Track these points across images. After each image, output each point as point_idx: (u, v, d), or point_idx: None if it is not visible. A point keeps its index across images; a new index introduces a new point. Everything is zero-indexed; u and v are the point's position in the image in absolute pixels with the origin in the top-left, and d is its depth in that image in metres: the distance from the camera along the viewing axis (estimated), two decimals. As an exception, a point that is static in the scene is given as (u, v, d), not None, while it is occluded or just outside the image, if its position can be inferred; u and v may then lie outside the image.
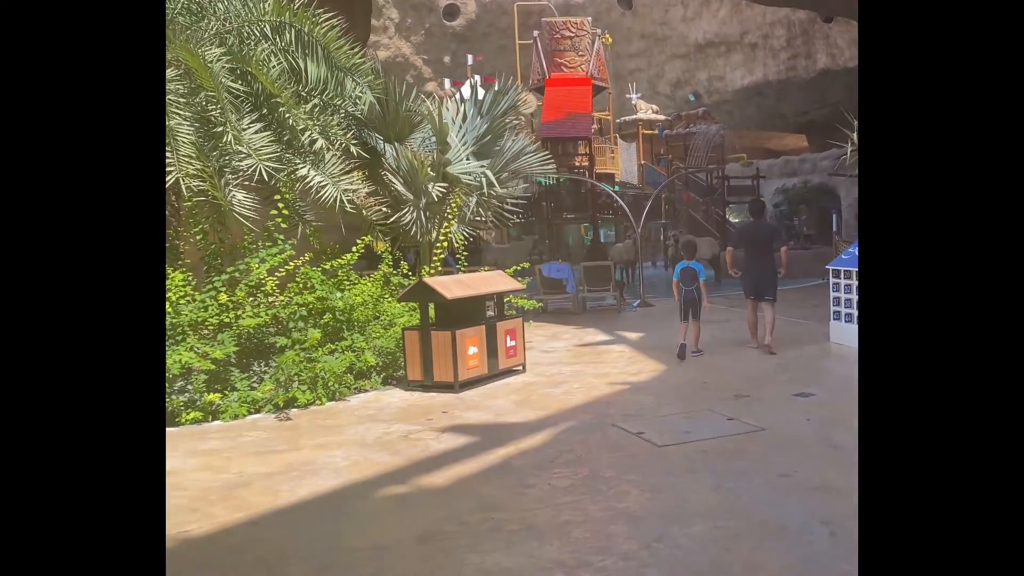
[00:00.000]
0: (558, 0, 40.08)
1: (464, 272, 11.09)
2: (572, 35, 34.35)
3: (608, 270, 15.52)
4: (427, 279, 8.70)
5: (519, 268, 11.47)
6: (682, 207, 30.98)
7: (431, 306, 9.22)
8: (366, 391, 8.89)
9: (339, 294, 9.21)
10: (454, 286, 8.75)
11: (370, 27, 19.34)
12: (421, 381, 8.78)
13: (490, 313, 9.22)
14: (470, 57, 36.15)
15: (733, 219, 37.06)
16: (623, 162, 33.19)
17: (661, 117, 35.57)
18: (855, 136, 11.36)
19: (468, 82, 36.72)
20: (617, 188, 31.45)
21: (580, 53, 34.19)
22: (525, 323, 11.32)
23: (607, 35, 35.59)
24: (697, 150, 31.63)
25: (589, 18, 35.46)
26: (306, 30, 8.97)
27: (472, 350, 8.78)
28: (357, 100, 9.78)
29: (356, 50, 9.74)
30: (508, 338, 9.32)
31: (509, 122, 12.02)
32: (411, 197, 10.41)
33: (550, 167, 12.04)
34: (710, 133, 31.55)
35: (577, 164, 30.71)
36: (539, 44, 34.79)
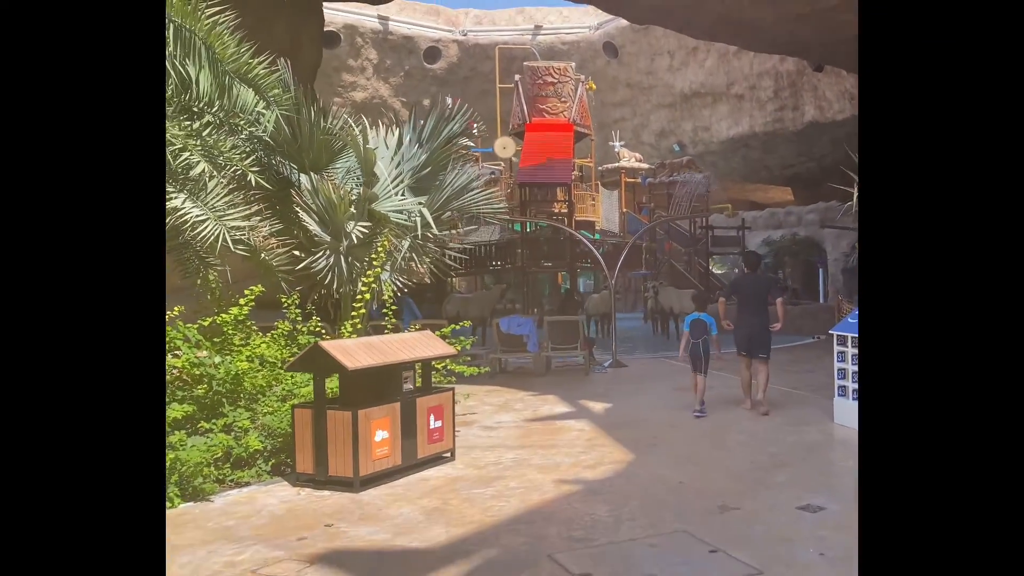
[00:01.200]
0: (542, 45, 38.55)
1: (390, 330, 8.99)
2: (555, 80, 32.74)
3: (576, 326, 13.43)
4: (324, 343, 6.57)
5: (456, 327, 9.36)
6: (663, 257, 29.04)
7: (335, 377, 7.12)
8: (245, 485, 6.72)
9: (218, 359, 7.07)
10: (360, 352, 6.63)
11: (321, 51, 17.44)
12: (313, 475, 6.62)
13: (408, 386, 7.09)
14: (448, 100, 34.38)
15: (716, 270, 35.15)
16: (604, 210, 31.29)
17: (644, 165, 33.82)
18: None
19: (447, 125, 34.97)
20: (598, 236, 29.55)
21: (563, 100, 32.54)
22: (464, 394, 9.24)
23: (591, 81, 34.00)
24: (680, 199, 29.80)
25: (573, 63, 33.87)
26: (187, 25, 6.94)
27: (381, 435, 6.62)
28: (260, 117, 7.73)
29: (263, 60, 7.68)
30: (432, 418, 7.17)
31: (455, 152, 9.97)
32: (327, 239, 8.32)
33: (499, 206, 10.02)
34: (694, 182, 29.76)
35: (556, 211, 28.83)
36: (520, 88, 33.14)
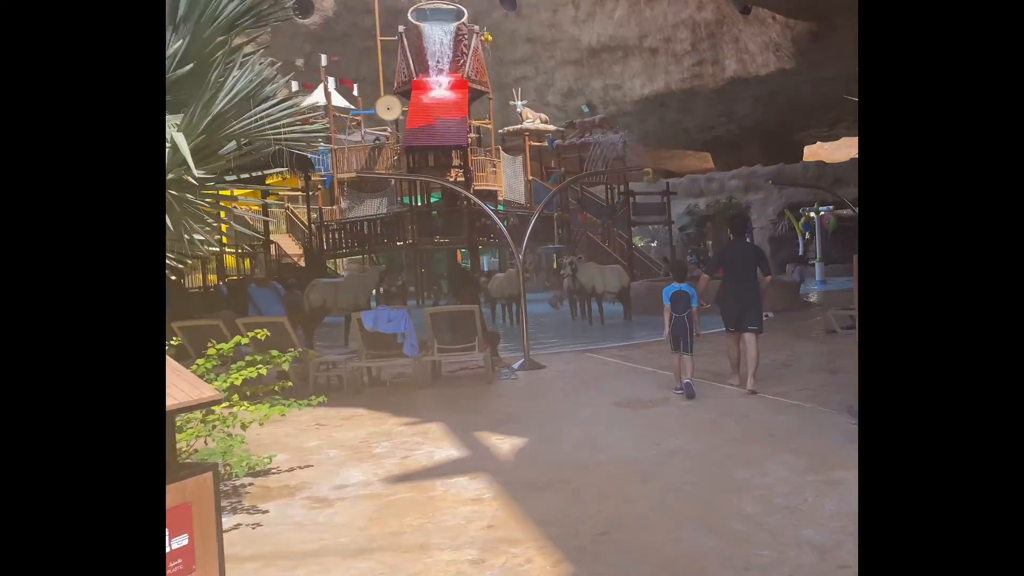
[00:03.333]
0: (431, -3, 34.70)
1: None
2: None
3: (472, 318, 9.92)
4: None
5: (243, 340, 5.70)
6: (578, 229, 25.80)
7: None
8: None
9: None
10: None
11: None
12: None
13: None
14: (324, 57, 30.38)
15: (639, 243, 32.20)
16: (507, 178, 27.88)
17: (551, 127, 30.52)
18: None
19: (321, 85, 30.92)
20: (501, 208, 26.15)
21: (456, 57, 28.97)
22: (266, 457, 5.76)
23: (487, 33, 30.49)
24: (594, 163, 26.62)
25: (465, 11, 30.32)
26: None
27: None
28: None
29: None
30: (168, 536, 3.59)
31: (229, 42, 6.18)
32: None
33: (314, 129, 6.40)
34: (609, 143, 26.63)
35: (451, 179, 25.30)
36: (405, 41, 29.39)
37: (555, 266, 26.79)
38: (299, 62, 34.79)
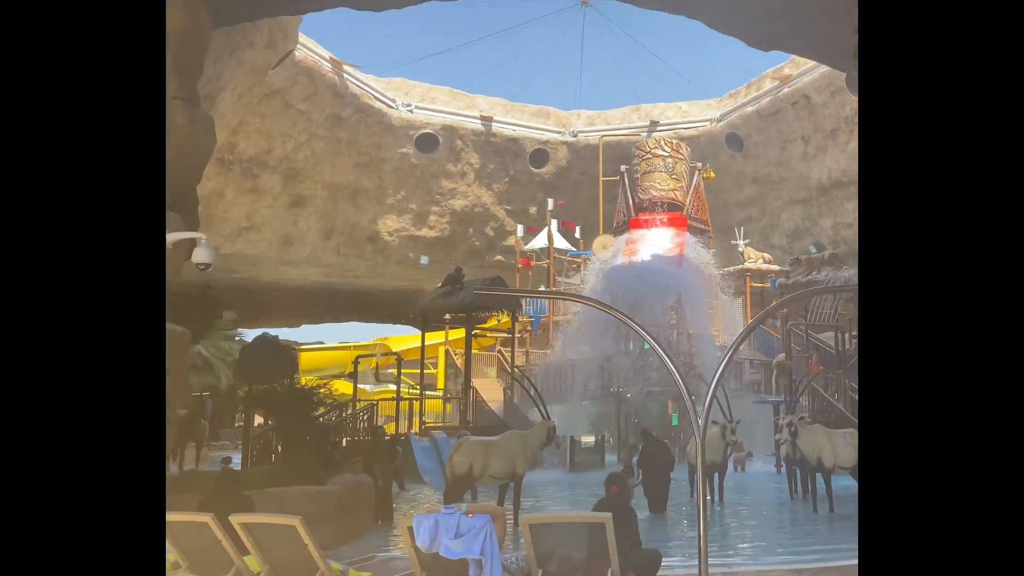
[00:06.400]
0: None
1: None
2: (665, 154, 26.63)
3: (600, 533, 6.02)
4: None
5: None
6: (804, 379, 21.32)
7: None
8: None
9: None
10: None
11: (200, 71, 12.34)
12: None
13: None
14: (550, 201, 29.00)
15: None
16: (726, 321, 24.43)
17: (774, 267, 26.80)
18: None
19: (545, 229, 29.37)
20: (718, 353, 22.57)
21: (674, 176, 26.29)
22: None
23: (709, 169, 27.81)
24: (823, 304, 22.50)
25: (686, 144, 27.89)
26: None
27: None
28: None
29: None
30: None
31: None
32: None
33: None
34: (840, 281, 22.48)
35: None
36: (627, 180, 27.29)
37: (774, 426, 22.43)
38: (532, 210, 33.71)
